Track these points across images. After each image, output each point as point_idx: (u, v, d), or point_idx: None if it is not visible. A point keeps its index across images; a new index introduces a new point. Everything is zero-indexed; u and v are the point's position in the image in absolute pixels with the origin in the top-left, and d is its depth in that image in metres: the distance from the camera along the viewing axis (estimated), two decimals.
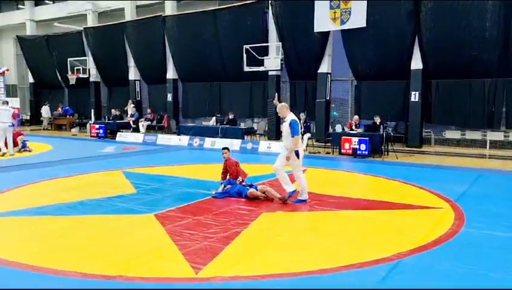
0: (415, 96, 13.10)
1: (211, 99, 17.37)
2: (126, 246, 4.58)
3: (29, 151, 12.48)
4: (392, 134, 12.62)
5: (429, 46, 12.76)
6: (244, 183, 6.92)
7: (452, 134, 13.67)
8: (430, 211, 6.12)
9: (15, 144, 12.07)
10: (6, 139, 11.59)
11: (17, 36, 24.00)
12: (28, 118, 24.48)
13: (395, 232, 5.13)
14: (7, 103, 12.75)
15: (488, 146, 12.74)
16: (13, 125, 11.69)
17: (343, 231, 5.21)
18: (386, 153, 12.08)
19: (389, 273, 3.89)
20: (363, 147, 11.73)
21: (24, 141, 12.64)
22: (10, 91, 25.44)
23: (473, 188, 7.74)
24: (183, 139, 15.00)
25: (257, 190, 6.66)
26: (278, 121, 16.09)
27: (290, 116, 6.40)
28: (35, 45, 22.79)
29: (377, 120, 12.60)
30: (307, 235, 5.05)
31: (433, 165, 10.59)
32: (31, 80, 24.34)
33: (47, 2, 23.75)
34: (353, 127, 12.80)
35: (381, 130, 12.28)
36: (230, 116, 15.46)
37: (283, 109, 6.54)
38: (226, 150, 7.23)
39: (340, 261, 4.15)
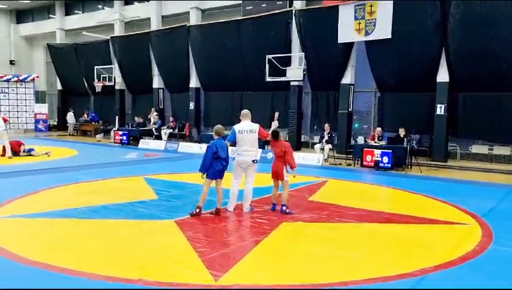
0: (440, 110, 12.81)
1: (232, 109, 17.46)
2: (146, 251, 4.60)
3: (48, 155, 12.66)
4: (416, 147, 12.36)
5: (456, 58, 12.47)
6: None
7: (479, 149, 13.26)
8: (456, 227, 5.94)
9: (17, 153, 12.39)
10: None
11: (47, 44, 24.82)
12: (56, 123, 25.20)
13: (419, 247, 4.98)
14: None
15: None
16: (6, 128, 12.59)
17: (364, 244, 5.11)
18: (409, 166, 11.84)
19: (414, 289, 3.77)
20: (385, 159, 11.53)
21: (29, 149, 12.75)
22: (39, 97, 26.29)
23: (502, 204, 7.48)
24: (204, 147, 14.99)
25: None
26: (299, 131, 16.09)
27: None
28: (64, 52, 23.52)
29: (402, 132, 12.37)
30: (327, 247, 4.97)
31: (458, 180, 10.30)
32: (59, 87, 25.07)
33: (77, 11, 24.56)
34: (376, 139, 12.61)
35: (405, 143, 12.04)
36: None
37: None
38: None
39: (362, 275, 4.05)
